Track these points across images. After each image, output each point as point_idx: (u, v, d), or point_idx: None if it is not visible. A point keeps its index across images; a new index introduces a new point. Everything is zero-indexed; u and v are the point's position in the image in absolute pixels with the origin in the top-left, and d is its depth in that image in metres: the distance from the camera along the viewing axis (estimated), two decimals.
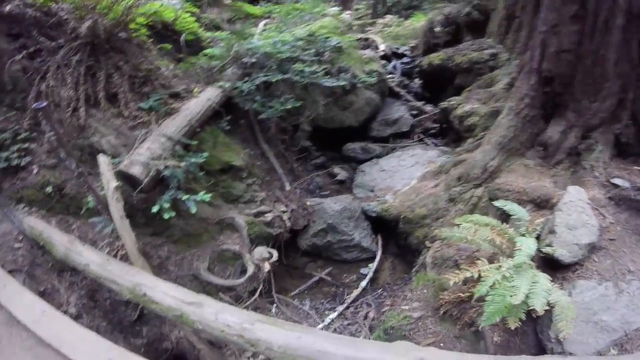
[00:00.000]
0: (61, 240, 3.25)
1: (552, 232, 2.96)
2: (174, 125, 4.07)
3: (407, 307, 3.39)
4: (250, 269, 3.90)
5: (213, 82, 4.89)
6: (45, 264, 3.49)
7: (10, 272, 3.25)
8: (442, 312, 3.17)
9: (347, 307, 4.20)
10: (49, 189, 3.64)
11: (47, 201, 3.69)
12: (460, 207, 4.30)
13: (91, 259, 3.02)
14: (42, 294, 3.21)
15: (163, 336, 3.54)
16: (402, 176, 5.46)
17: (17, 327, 2.86)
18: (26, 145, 3.71)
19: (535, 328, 2.83)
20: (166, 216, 3.58)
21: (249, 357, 3.54)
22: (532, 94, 4.08)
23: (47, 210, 3.69)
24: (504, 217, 3.48)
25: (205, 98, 4.57)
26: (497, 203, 3.55)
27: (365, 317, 4.00)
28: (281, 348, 2.12)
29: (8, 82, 3.75)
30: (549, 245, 2.92)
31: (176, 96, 4.46)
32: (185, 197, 3.70)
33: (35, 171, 3.72)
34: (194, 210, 3.67)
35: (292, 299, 4.35)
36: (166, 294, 2.57)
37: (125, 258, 3.32)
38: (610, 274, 2.81)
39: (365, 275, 4.61)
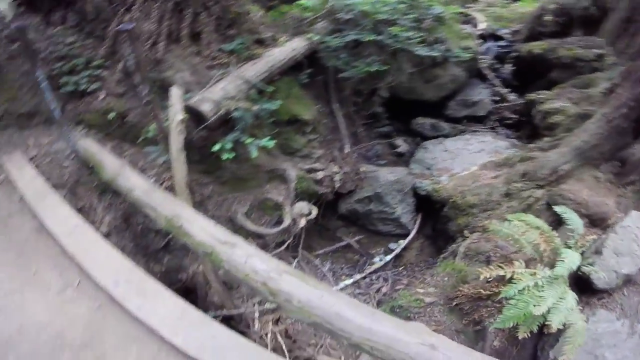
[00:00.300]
0: (112, 164, 3.30)
1: (598, 252, 2.75)
2: (254, 70, 4.12)
3: (421, 291, 3.38)
4: (287, 222, 3.92)
5: (301, 34, 4.84)
6: (88, 183, 3.57)
7: (53, 186, 3.32)
8: (454, 303, 3.13)
9: (364, 277, 4.21)
10: (111, 115, 3.71)
11: (107, 127, 3.76)
12: (514, 204, 4.06)
13: (137, 184, 3.04)
14: (80, 210, 3.28)
15: (181, 268, 3.62)
16: (463, 160, 5.20)
17: (45, 236, 2.94)
18: (98, 72, 3.81)
19: (536, 343, 2.73)
20: (224, 156, 3.58)
21: (254, 304, 3.53)
22: (631, 104, 3.66)
23: (105, 135, 3.78)
24: (554, 225, 3.27)
25: (290, 48, 4.57)
26: (557, 208, 3.36)
27: (378, 291, 4.01)
28: (300, 303, 2.03)
29: (91, 12, 3.88)
30: (590, 264, 2.72)
31: (260, 42, 4.50)
32: (248, 140, 3.67)
33: (101, 97, 3.82)
34: (254, 154, 3.66)
35: (314, 258, 4.40)
36: (202, 229, 2.53)
37: (169, 190, 3.34)
38: (632, 312, 2.63)
39: (393, 250, 4.56)
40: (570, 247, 2.92)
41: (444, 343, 1.80)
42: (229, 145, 3.63)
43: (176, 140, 3.31)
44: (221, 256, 2.35)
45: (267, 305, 3.42)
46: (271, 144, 3.75)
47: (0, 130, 3.81)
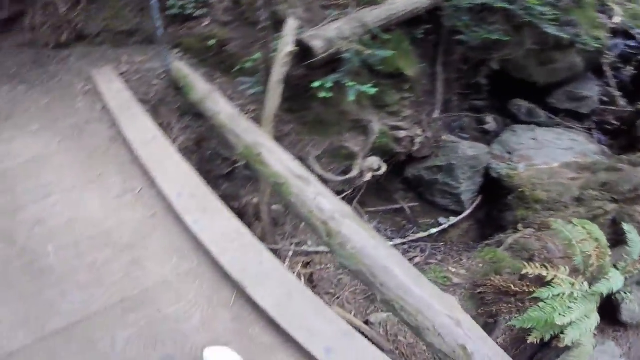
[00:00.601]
0: (203, 87, 3.33)
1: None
2: (372, 15, 4.09)
3: (453, 270, 3.40)
4: (354, 173, 3.92)
5: None
6: (171, 104, 3.67)
7: (139, 101, 3.44)
8: (478, 291, 3.11)
9: (404, 244, 4.21)
10: (211, 42, 3.74)
11: (204, 53, 3.82)
12: (581, 210, 3.95)
13: (224, 109, 3.06)
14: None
15: (236, 196, 3.68)
16: (548, 154, 4.98)
17: (119, 145, 3.06)
18: None
19: (535, 353, 2.75)
20: (321, 94, 3.58)
21: (292, 243, 3.60)
22: None
23: (199, 61, 3.84)
24: (612, 243, 3.13)
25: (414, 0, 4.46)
26: (625, 226, 3.22)
27: (411, 260, 3.96)
28: (354, 250, 1.97)
29: None
30: (627, 292, 2.74)
31: None
32: (350, 83, 3.62)
33: (205, 24, 3.88)
34: (351, 98, 3.61)
35: (364, 214, 4.44)
36: (280, 161, 2.51)
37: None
38: (636, 356, 2.65)
39: (441, 224, 4.52)
40: (618, 269, 2.85)
41: (468, 323, 1.76)
42: (329, 84, 3.61)
43: (278, 72, 3.37)
44: (292, 189, 2.34)
45: (304, 248, 3.62)
46: (372, 91, 3.69)
47: (95, 45, 4.04)
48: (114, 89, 3.43)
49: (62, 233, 2.53)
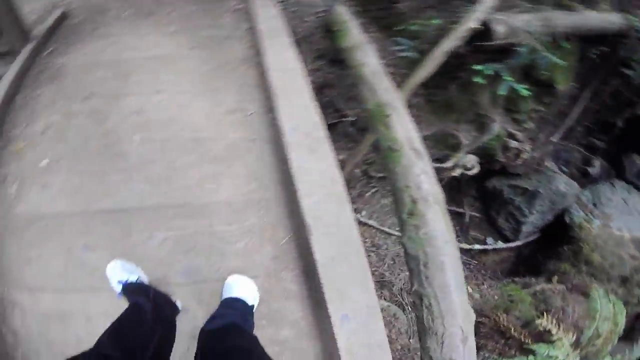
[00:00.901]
0: (357, 36, 3.20)
1: None
2: (565, 20, 3.85)
3: (469, 290, 3.39)
4: (448, 164, 3.91)
5: (623, 12, 4.13)
6: (313, 44, 3.60)
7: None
8: (478, 319, 2.97)
9: None
10: None
11: (371, 3, 3.68)
12: (620, 291, 4.00)
13: (371, 62, 2.95)
14: None
15: None
16: (630, 221, 4.58)
17: (249, 66, 2.94)
18: None
19: None
20: (475, 79, 3.49)
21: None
22: None
23: (363, 10, 3.65)
24: (624, 333, 3.09)
25: (606, 18, 4.04)
26: None
27: None
28: (425, 235, 1.95)
29: None
30: None
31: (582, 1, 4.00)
32: (508, 77, 3.56)
33: None
34: (502, 92, 3.57)
35: None
36: (404, 129, 2.44)
37: None
38: None
39: (486, 244, 4.41)
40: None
41: (471, 344, 1.73)
42: (489, 71, 3.53)
43: (449, 43, 3.32)
44: (403, 159, 2.27)
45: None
46: (525, 92, 3.60)
47: None
48: (267, 13, 3.28)
49: (156, 128, 2.51)
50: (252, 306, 1.68)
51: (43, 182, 2.29)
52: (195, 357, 1.29)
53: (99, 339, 1.22)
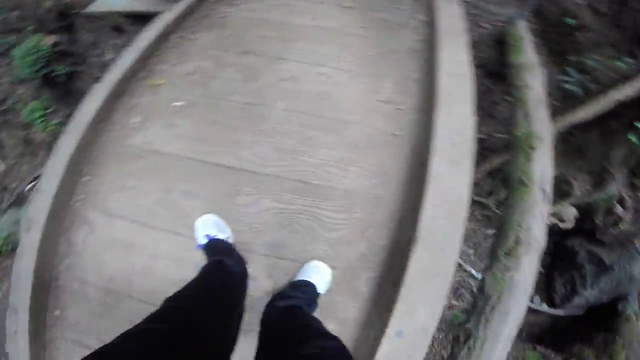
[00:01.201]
0: (530, 56, 3.04)
1: None
2: None
3: None
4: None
5: None
6: (477, 50, 3.22)
7: None
8: None
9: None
10: (569, 20, 3.21)
11: (551, 25, 3.36)
12: None
13: (537, 88, 2.80)
14: None
15: None
16: None
17: (418, 59, 2.78)
18: None
19: None
20: (630, 136, 2.94)
21: None
22: None
23: (541, 30, 3.39)
24: None
25: None
26: None
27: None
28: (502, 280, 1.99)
29: None
30: None
31: None
32: None
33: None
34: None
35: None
36: (541, 166, 2.39)
37: None
38: None
39: (531, 302, 4.03)
40: None
41: None
42: None
43: (624, 92, 2.82)
44: (528, 197, 2.21)
45: None
46: None
47: None
48: (450, 10, 3.05)
49: (304, 99, 2.40)
50: (319, 294, 1.68)
51: (170, 122, 2.33)
52: (262, 327, 1.35)
53: (183, 290, 1.19)
